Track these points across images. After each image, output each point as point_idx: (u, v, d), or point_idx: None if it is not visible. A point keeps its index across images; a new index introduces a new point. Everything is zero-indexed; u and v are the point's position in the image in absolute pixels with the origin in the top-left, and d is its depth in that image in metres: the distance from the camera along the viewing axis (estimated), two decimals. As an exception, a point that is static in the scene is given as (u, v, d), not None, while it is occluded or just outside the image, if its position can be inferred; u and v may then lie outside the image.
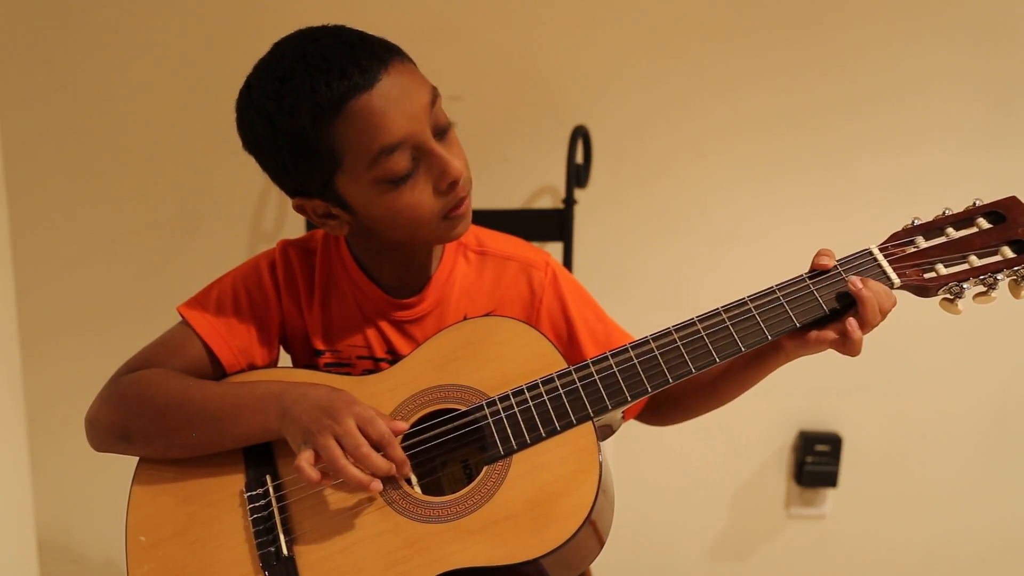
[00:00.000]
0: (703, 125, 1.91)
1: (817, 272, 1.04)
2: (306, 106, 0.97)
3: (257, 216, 1.97)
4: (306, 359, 1.21)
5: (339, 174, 1.02)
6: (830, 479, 2.04)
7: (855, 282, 1.00)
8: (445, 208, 1.05)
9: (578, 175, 1.83)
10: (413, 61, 1.04)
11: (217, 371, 1.14)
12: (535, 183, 1.96)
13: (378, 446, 1.00)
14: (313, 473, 0.98)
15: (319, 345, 1.19)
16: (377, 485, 0.99)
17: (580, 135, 1.82)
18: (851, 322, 1.00)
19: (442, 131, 1.04)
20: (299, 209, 1.09)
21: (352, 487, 1.00)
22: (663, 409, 1.22)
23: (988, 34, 1.83)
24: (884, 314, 1.01)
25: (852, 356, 1.03)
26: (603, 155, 1.91)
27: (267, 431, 1.05)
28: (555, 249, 1.81)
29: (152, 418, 1.08)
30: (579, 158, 1.83)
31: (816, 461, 2.03)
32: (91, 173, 1.96)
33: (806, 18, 1.85)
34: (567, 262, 1.81)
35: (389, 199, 1.03)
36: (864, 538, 2.11)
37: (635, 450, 2.00)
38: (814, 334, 1.03)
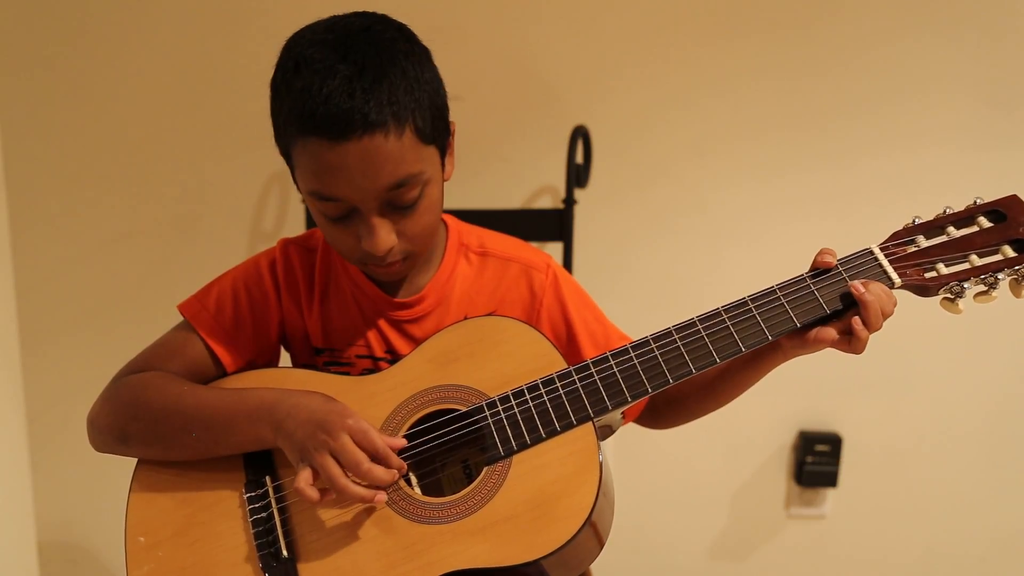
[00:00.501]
0: (703, 125, 1.91)
1: (818, 272, 1.04)
2: (290, 103, 0.98)
3: (257, 216, 1.97)
4: (305, 358, 1.21)
5: (294, 171, 1.04)
6: (830, 479, 2.04)
7: (857, 287, 1.00)
8: (363, 260, 1.06)
9: (578, 175, 1.82)
10: (422, 133, 1.00)
11: (218, 370, 1.14)
12: (535, 183, 1.95)
13: (375, 458, 0.99)
14: (313, 493, 0.97)
15: (318, 344, 1.19)
16: (382, 497, 0.99)
17: (580, 135, 1.82)
18: (857, 320, 1.00)
19: (401, 207, 1.02)
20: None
21: (356, 503, 1.00)
22: (662, 411, 1.22)
23: (988, 34, 1.83)
24: (886, 317, 1.01)
25: (856, 354, 1.02)
26: (603, 155, 1.91)
27: (261, 442, 1.05)
28: (555, 249, 1.81)
29: (148, 423, 1.08)
30: (579, 158, 1.83)
31: (816, 461, 2.03)
32: (91, 173, 1.96)
33: (806, 18, 1.85)
34: (567, 262, 1.81)
35: (320, 220, 1.05)
36: (864, 538, 2.11)
37: (635, 450, 2.00)
38: (813, 333, 1.03)
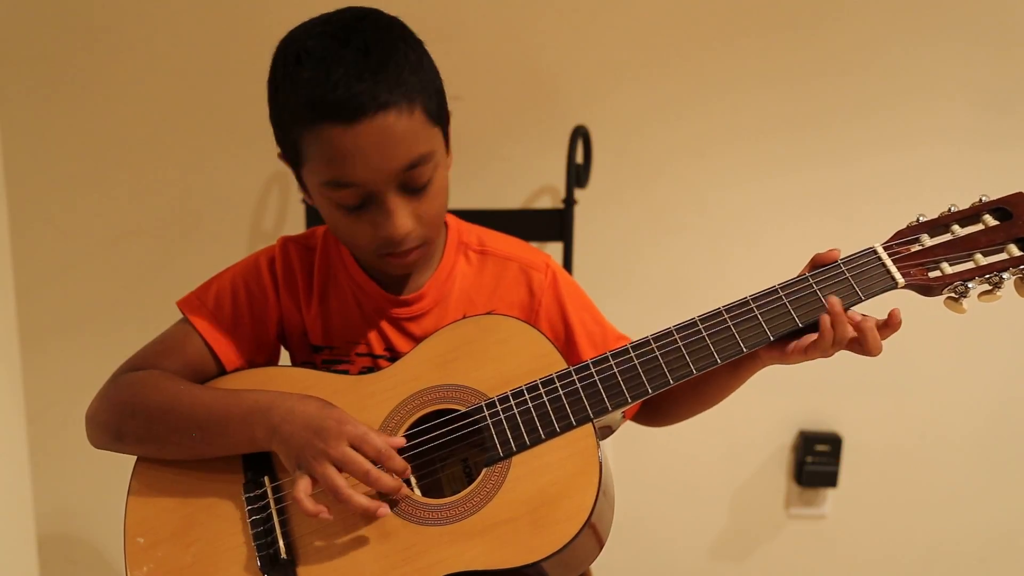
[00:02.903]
0: (703, 125, 1.90)
1: (820, 271, 1.03)
2: (294, 99, 0.97)
3: (257, 216, 1.97)
4: (304, 356, 1.21)
5: (302, 167, 1.03)
6: (830, 479, 2.03)
7: (824, 319, 1.00)
8: (378, 252, 1.06)
9: (578, 175, 1.82)
10: (425, 110, 1.00)
11: (217, 367, 1.14)
12: (535, 183, 1.95)
13: (376, 462, 0.99)
14: (313, 506, 0.97)
15: (317, 342, 1.18)
16: (384, 511, 0.98)
17: (580, 135, 1.82)
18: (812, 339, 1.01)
19: (415, 189, 1.02)
20: (281, 158, 1.09)
21: (359, 515, 0.99)
22: (654, 410, 1.23)
23: (989, 34, 1.83)
24: (870, 350, 1.01)
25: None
26: (603, 155, 1.91)
27: (255, 444, 1.05)
28: (555, 249, 1.81)
29: (143, 421, 1.08)
30: (579, 158, 1.83)
31: (816, 461, 2.03)
32: (91, 173, 1.96)
33: (808, 19, 1.85)
34: (567, 262, 1.80)
35: (332, 214, 1.04)
36: (864, 538, 2.10)
37: (635, 450, 2.00)
38: (792, 346, 1.03)
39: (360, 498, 0.97)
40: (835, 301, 1.00)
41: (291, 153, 1.04)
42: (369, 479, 0.97)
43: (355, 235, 1.05)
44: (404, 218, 1.01)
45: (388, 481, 0.99)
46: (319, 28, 1.00)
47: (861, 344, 1.01)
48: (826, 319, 1.00)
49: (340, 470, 0.98)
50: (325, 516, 0.98)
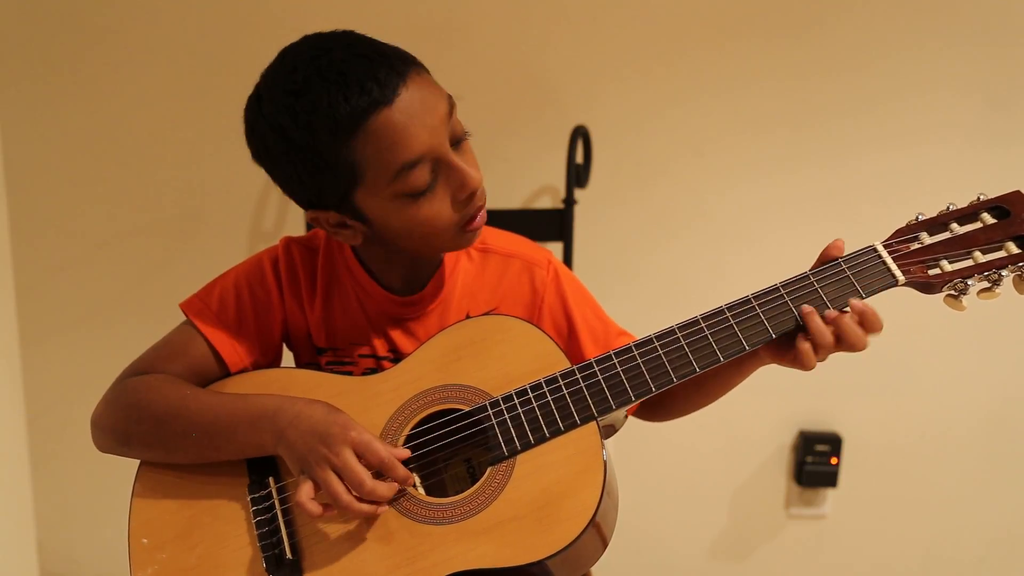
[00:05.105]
0: (703, 124, 1.91)
1: (821, 269, 1.04)
2: (324, 122, 0.96)
3: (257, 216, 1.97)
4: (308, 357, 1.21)
5: (358, 189, 1.01)
6: (830, 479, 2.04)
7: (808, 313, 1.01)
8: (462, 220, 1.05)
9: (578, 175, 1.83)
10: (428, 70, 1.03)
11: (221, 369, 1.13)
12: (535, 183, 1.95)
13: (379, 470, 0.99)
14: (315, 508, 0.97)
15: (321, 343, 1.18)
16: (383, 511, 0.99)
17: (580, 135, 1.82)
18: (805, 348, 1.01)
19: (458, 140, 1.04)
20: (313, 221, 1.08)
21: (357, 518, 1.00)
22: (656, 406, 1.23)
23: (989, 33, 1.84)
24: (851, 346, 1.01)
25: (803, 370, 1.03)
26: (603, 155, 1.91)
27: (262, 448, 1.05)
28: (555, 249, 1.81)
29: (150, 426, 1.07)
30: (579, 158, 1.83)
31: (816, 461, 2.03)
32: (91, 173, 1.96)
33: (807, 18, 1.85)
34: (567, 262, 1.81)
35: (408, 212, 1.02)
36: (864, 538, 2.11)
37: (635, 449, 1.99)
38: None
39: (359, 505, 0.97)
40: (807, 309, 1.01)
41: (344, 179, 1.00)
42: (364, 490, 0.97)
43: (437, 218, 1.04)
44: (472, 167, 1.04)
45: (384, 492, 0.98)
46: (292, 64, 1.00)
47: (842, 341, 1.01)
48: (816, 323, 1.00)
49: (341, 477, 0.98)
50: (329, 515, 0.98)
